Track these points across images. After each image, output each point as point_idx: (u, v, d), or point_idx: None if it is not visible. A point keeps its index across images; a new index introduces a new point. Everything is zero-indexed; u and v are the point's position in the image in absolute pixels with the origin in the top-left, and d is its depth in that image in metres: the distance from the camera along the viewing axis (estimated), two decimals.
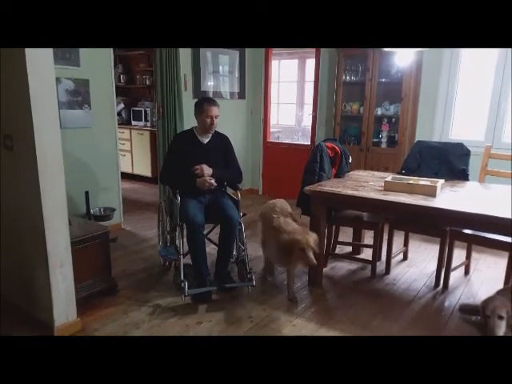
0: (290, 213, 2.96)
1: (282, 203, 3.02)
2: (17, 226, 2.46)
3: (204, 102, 2.98)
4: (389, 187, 2.74)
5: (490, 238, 2.85)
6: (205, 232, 2.96)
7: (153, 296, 2.89)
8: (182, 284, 2.71)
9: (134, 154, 6.50)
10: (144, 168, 6.41)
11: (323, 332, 2.48)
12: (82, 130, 3.81)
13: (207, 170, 2.94)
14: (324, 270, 3.25)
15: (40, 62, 2.06)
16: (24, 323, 2.46)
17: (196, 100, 3.15)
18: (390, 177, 2.92)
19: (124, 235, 4.10)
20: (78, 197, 3.74)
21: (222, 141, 3.14)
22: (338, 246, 3.75)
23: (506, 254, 2.87)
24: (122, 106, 6.67)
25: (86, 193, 3.76)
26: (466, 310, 2.75)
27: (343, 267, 3.48)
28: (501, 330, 2.43)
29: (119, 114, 6.32)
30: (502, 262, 2.91)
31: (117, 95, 4.28)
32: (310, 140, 5.53)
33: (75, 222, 2.84)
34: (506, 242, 2.76)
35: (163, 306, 2.78)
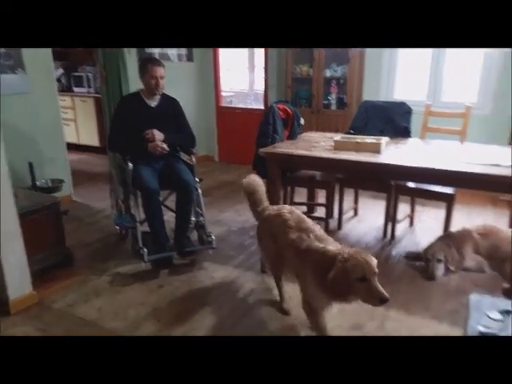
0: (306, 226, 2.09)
1: (292, 211, 2.25)
2: None
3: (148, 63, 2.88)
4: (338, 146, 2.85)
5: (430, 191, 3.08)
6: (161, 199, 2.95)
7: (111, 265, 2.89)
8: (141, 251, 2.72)
9: (79, 122, 6.19)
10: (90, 137, 6.13)
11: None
12: (19, 96, 3.58)
13: (158, 135, 2.89)
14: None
15: None
16: None
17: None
18: (338, 136, 3.03)
19: (76, 207, 3.98)
20: (21, 169, 3.55)
21: (171, 104, 3.07)
22: (293, 206, 3.87)
23: (444, 205, 3.11)
24: (60, 71, 6.25)
25: (30, 164, 3.56)
26: (411, 257, 2.99)
27: None
28: (439, 271, 2.70)
29: (58, 80, 5.90)
30: (441, 213, 3.15)
31: (54, 59, 4.01)
32: (262, 104, 5.54)
33: (21, 194, 2.72)
34: (444, 193, 3.00)
35: (123, 273, 2.78)
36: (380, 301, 1.61)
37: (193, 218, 3.18)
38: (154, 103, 2.99)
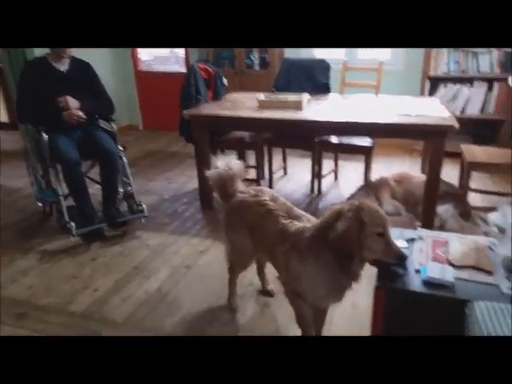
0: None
1: (276, 198, 1.86)
2: None
3: None
4: (262, 105, 2.90)
5: (350, 145, 3.27)
6: (83, 170, 2.82)
7: (38, 242, 2.75)
8: (68, 225, 2.62)
9: None
10: None
11: (217, 245, 2.67)
12: None
13: (73, 103, 2.72)
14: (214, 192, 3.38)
15: None
16: None
17: None
18: (262, 96, 3.07)
19: None
20: None
21: (83, 68, 2.88)
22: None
23: (364, 158, 3.33)
24: None
25: None
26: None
27: None
28: None
29: None
30: (362, 166, 3.37)
31: None
32: (184, 67, 5.38)
33: None
34: (362, 146, 3.21)
35: (51, 250, 2.67)
36: (400, 258, 1.37)
37: (120, 189, 3.09)
38: (63, 67, 2.79)
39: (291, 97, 2.94)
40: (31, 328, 1.98)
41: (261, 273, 2.18)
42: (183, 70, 5.40)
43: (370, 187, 3.08)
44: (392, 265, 1.39)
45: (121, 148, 2.97)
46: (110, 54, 5.30)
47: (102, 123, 3.05)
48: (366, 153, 3.23)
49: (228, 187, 1.92)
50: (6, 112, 5.48)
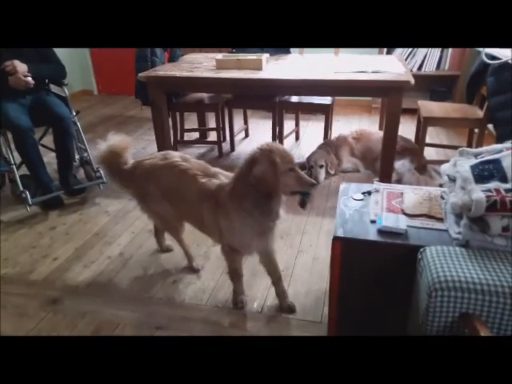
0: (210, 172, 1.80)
1: (187, 159, 1.84)
2: None
3: None
4: (220, 65, 2.82)
5: (310, 103, 3.28)
6: (36, 138, 2.68)
7: None
8: (23, 194, 2.52)
9: None
10: None
11: None
12: None
13: (20, 67, 2.55)
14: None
15: None
16: None
17: None
18: (220, 55, 2.98)
19: None
20: None
21: None
22: (185, 134, 3.84)
23: (324, 116, 3.35)
24: None
25: None
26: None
27: (193, 152, 3.63)
28: (322, 176, 2.99)
29: None
30: (322, 125, 3.39)
31: None
32: None
33: None
34: (322, 104, 3.22)
35: (7, 221, 2.57)
36: (312, 185, 1.53)
37: (76, 156, 2.99)
38: None
39: (250, 56, 2.87)
40: None
41: (183, 244, 2.10)
42: None
43: (329, 145, 3.13)
44: (306, 193, 1.56)
45: (74, 113, 2.84)
46: None
47: (54, 88, 2.89)
48: (326, 111, 3.25)
49: (118, 161, 1.92)
50: None
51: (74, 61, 5.12)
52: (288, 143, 3.67)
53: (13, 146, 2.60)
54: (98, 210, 2.69)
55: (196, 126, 3.94)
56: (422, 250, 1.26)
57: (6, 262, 2.20)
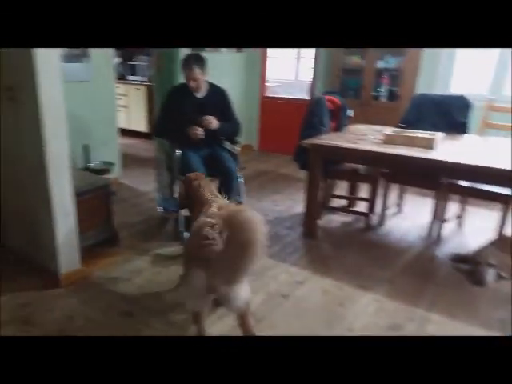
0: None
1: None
2: (17, 174, 2.49)
3: (183, 66, 2.89)
4: (388, 140, 2.75)
5: (485, 190, 2.89)
6: None
7: (153, 246, 2.96)
8: (182, 234, 2.77)
9: (131, 109, 6.39)
10: (140, 123, 6.32)
11: (317, 279, 2.57)
12: (80, 83, 3.74)
13: (214, 123, 2.90)
14: (319, 222, 3.31)
15: None
16: (30, 272, 2.53)
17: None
18: (389, 130, 2.92)
19: (122, 189, 4.11)
20: (75, 151, 3.71)
21: (218, 95, 3.09)
22: (333, 199, 3.81)
23: (498, 207, 2.92)
24: (117, 60, 6.48)
25: (86, 146, 3.73)
26: (457, 259, 2.85)
27: (338, 220, 3.55)
28: (490, 277, 2.54)
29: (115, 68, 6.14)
30: (494, 215, 2.97)
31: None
32: (308, 94, 5.45)
33: (75, 174, 2.84)
34: (500, 194, 2.81)
35: (163, 255, 2.85)
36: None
37: None
38: (200, 94, 3.02)
39: (422, 134, 2.73)
40: (135, 328, 2.09)
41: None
42: (306, 97, 5.47)
43: (505, 243, 2.68)
44: None
45: (240, 168, 3.09)
46: (244, 81, 5.66)
47: (227, 144, 3.22)
48: (504, 201, 2.82)
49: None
50: (146, 123, 6.18)
51: (244, 119, 5.67)
52: (448, 228, 3.30)
53: None
54: None
55: (344, 194, 3.88)
56: None
57: (156, 296, 2.39)
